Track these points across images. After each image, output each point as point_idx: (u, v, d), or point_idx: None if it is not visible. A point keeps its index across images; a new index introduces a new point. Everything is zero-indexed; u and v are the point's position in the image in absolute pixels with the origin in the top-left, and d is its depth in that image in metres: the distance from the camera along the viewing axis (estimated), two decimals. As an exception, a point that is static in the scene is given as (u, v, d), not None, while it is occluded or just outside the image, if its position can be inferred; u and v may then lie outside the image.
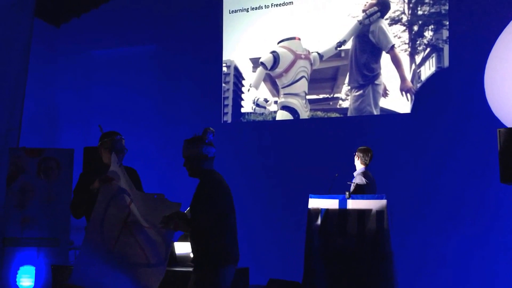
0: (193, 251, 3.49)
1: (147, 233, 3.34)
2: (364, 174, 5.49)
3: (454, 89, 6.61)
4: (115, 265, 3.26)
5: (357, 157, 5.62)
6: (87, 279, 3.25)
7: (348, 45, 7.28)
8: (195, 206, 3.41)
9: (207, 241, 3.36)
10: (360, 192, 5.28)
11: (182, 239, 4.67)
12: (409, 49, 6.92)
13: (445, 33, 6.75)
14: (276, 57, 7.64)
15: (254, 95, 7.76)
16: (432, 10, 6.85)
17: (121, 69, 8.47)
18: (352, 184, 5.47)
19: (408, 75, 6.89)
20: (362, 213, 4.67)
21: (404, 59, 6.93)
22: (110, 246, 3.27)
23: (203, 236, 3.36)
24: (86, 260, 3.27)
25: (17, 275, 6.06)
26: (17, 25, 7.11)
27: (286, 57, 7.58)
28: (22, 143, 6.86)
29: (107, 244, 3.27)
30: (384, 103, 7.01)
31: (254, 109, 7.75)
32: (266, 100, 7.70)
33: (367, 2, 7.18)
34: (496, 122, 6.17)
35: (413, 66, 6.88)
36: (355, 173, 5.59)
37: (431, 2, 6.86)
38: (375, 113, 7.04)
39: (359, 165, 5.60)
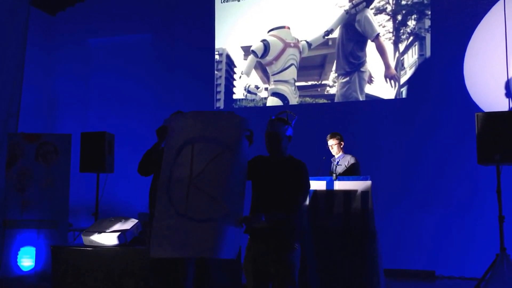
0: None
1: (217, 175, 3.17)
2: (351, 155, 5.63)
3: (435, 76, 6.87)
4: (192, 226, 3.12)
5: (338, 143, 5.62)
6: (167, 249, 3.18)
7: (335, 34, 7.49)
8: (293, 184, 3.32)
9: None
10: (357, 171, 5.42)
11: None
12: (393, 38, 7.16)
13: (427, 23, 6.99)
14: (266, 45, 7.82)
15: (246, 82, 7.96)
16: (415, 0, 7.08)
17: (117, 57, 8.57)
18: (342, 166, 5.52)
19: (392, 63, 7.13)
20: (348, 194, 4.78)
21: (388, 47, 7.17)
22: (182, 211, 3.15)
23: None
24: (160, 231, 3.19)
25: (18, 256, 6.18)
26: (13, 14, 7.10)
27: (276, 46, 7.77)
28: (21, 129, 6.96)
29: (178, 209, 3.17)
30: (369, 89, 7.25)
31: (246, 95, 7.95)
32: (257, 87, 7.91)
33: (353, -8, 7.39)
34: (474, 107, 6.48)
35: (397, 54, 7.12)
36: (340, 156, 5.63)
37: (414, -8, 7.08)
38: (360, 99, 7.28)
39: (339, 150, 5.64)
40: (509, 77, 6.47)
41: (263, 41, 7.85)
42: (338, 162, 5.61)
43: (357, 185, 4.79)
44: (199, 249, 3.18)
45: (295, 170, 3.35)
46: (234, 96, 8.03)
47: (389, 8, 7.23)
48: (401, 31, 7.12)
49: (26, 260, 6.20)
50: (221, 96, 8.10)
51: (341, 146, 5.68)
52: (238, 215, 3.14)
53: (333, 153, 5.70)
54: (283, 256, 3.23)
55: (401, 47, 7.11)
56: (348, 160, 5.55)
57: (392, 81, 7.13)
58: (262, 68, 7.88)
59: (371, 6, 7.30)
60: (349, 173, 5.34)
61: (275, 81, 7.78)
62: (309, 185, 3.45)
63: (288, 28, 7.74)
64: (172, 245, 3.17)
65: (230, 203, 3.15)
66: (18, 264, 6.18)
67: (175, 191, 3.23)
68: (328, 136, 5.73)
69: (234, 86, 8.04)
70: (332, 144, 5.67)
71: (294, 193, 3.30)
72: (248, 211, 3.34)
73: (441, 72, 6.83)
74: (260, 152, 3.53)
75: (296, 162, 3.40)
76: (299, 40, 7.66)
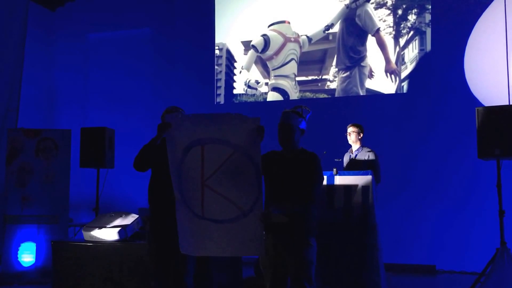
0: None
1: (230, 176, 3.17)
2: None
3: (436, 71, 6.87)
4: (213, 228, 3.18)
5: (357, 132, 5.44)
6: (192, 248, 3.29)
7: (336, 29, 7.48)
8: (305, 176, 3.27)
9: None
10: (378, 165, 5.30)
11: None
12: (394, 32, 7.15)
13: (428, 17, 6.98)
14: (266, 40, 7.82)
15: (246, 77, 7.96)
16: (416, -5, 7.07)
17: (116, 52, 8.56)
18: (364, 157, 5.36)
19: (393, 57, 7.12)
20: (349, 189, 4.81)
21: (389, 41, 7.16)
22: (199, 213, 3.19)
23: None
24: (183, 231, 3.26)
25: (19, 251, 6.19)
26: (13, 9, 7.11)
27: (276, 40, 7.76)
28: (20, 124, 6.98)
29: (196, 211, 3.21)
30: (369, 84, 7.25)
31: (246, 90, 7.94)
32: (257, 82, 7.90)
33: (353, -13, 7.38)
34: (474, 101, 6.47)
35: (397, 49, 7.11)
36: (359, 149, 5.44)
37: (415, -14, 7.06)
38: (361, 93, 7.28)
39: (357, 140, 5.47)
40: (509, 72, 6.47)
41: (263, 36, 7.84)
42: (356, 155, 5.44)
43: (358, 179, 4.82)
44: (224, 249, 3.24)
45: (307, 162, 3.29)
46: (235, 91, 8.03)
47: (389, 2, 7.22)
48: (402, 25, 7.11)
49: (27, 255, 6.21)
50: (221, 91, 8.09)
51: (360, 137, 5.47)
52: (257, 212, 3.12)
53: (350, 142, 5.49)
54: (298, 253, 3.21)
55: (402, 41, 7.10)
56: (368, 155, 5.36)
57: (392, 76, 7.13)
58: (262, 63, 7.88)
59: (372, 1, 7.29)
60: (368, 169, 5.10)
61: (275, 76, 7.78)
62: (322, 177, 3.39)
63: (289, 22, 7.72)
64: (198, 246, 3.26)
65: (246, 203, 3.13)
66: (19, 259, 6.19)
67: (188, 194, 3.24)
68: (349, 124, 5.52)
69: (235, 81, 8.04)
70: (351, 131, 5.45)
71: (307, 185, 3.24)
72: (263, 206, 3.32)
73: (442, 66, 6.83)
74: (265, 148, 3.51)
75: (308, 154, 3.34)
76: (300, 34, 7.65)
